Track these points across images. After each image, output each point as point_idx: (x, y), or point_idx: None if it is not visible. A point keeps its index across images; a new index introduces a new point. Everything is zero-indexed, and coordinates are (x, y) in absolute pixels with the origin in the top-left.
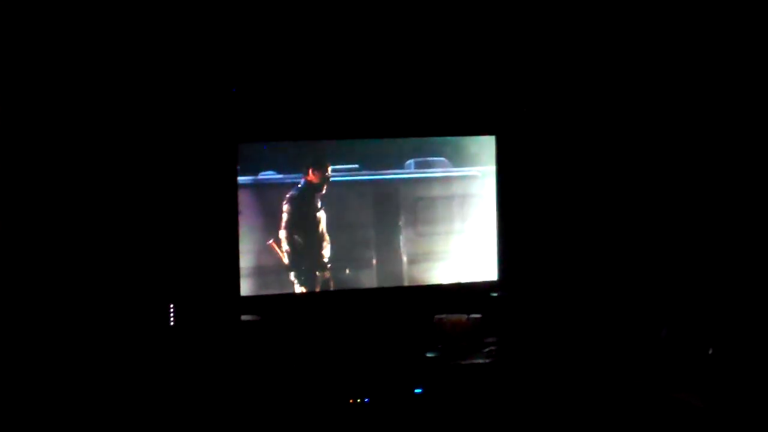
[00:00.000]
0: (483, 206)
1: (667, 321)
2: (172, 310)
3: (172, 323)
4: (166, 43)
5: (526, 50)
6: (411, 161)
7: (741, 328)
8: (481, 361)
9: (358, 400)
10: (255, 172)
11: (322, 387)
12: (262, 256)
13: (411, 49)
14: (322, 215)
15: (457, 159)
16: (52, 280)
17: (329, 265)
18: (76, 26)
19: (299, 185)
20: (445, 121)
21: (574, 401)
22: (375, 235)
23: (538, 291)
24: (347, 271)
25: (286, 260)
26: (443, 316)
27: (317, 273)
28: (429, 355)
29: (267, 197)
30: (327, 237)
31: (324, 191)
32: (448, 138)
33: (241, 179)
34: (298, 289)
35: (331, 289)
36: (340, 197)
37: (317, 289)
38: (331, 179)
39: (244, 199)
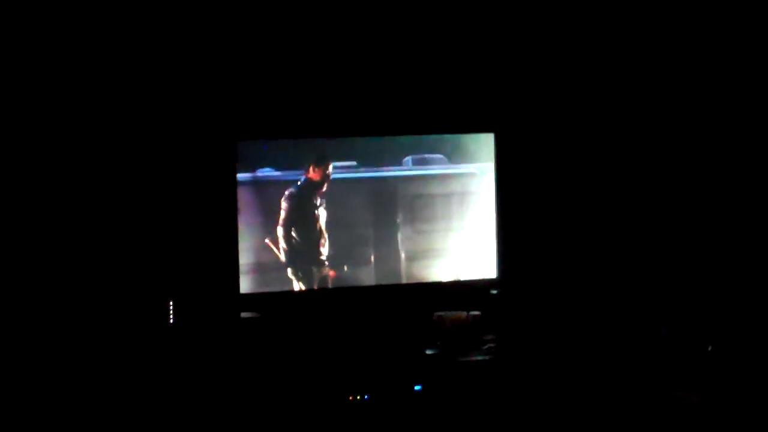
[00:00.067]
0: (481, 203)
1: (666, 319)
2: (171, 307)
3: (171, 321)
4: (164, 41)
5: (526, 47)
6: (408, 158)
7: (740, 326)
8: (480, 358)
9: (358, 397)
10: (253, 169)
11: (322, 384)
12: (261, 254)
13: (409, 47)
14: (321, 213)
15: (455, 156)
16: (51, 278)
17: (327, 263)
18: (74, 24)
19: (299, 182)
20: (444, 119)
21: (574, 398)
22: (373, 233)
23: (538, 288)
24: (345, 268)
25: (282, 258)
26: (443, 313)
27: (315, 270)
28: (428, 352)
29: (266, 194)
30: (325, 234)
31: (324, 189)
32: (446, 135)
33: (239, 176)
34: (297, 286)
35: (330, 286)
36: (337, 194)
37: (315, 287)
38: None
39: (243, 197)
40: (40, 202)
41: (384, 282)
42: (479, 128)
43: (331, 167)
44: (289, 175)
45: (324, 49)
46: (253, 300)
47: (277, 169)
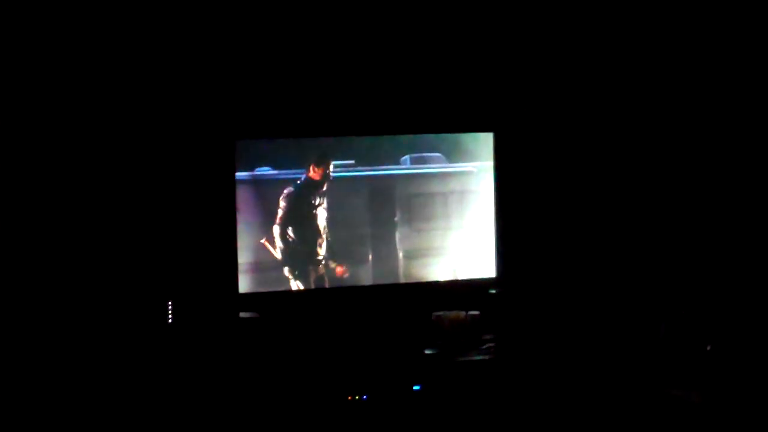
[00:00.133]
0: (480, 202)
1: (665, 317)
2: (170, 307)
3: (170, 320)
4: (163, 40)
5: (525, 47)
6: (407, 157)
7: (739, 325)
8: (479, 357)
9: (357, 397)
10: (251, 168)
11: (321, 384)
12: (260, 253)
13: (408, 46)
14: (320, 212)
15: (453, 155)
16: (50, 278)
17: (324, 262)
18: (74, 24)
19: (298, 182)
20: (443, 117)
21: (573, 398)
22: (371, 232)
23: (537, 288)
24: (343, 267)
25: (279, 257)
26: (442, 313)
27: (312, 269)
28: (427, 351)
29: (264, 193)
30: (323, 233)
31: (324, 188)
32: (445, 134)
33: (238, 175)
34: (294, 286)
35: (327, 286)
36: (335, 193)
37: (313, 286)
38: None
39: (242, 196)
40: (38, 202)
41: (382, 281)
42: (478, 127)
43: (331, 167)
44: (287, 173)
45: (323, 49)
46: (252, 300)
47: (276, 168)
